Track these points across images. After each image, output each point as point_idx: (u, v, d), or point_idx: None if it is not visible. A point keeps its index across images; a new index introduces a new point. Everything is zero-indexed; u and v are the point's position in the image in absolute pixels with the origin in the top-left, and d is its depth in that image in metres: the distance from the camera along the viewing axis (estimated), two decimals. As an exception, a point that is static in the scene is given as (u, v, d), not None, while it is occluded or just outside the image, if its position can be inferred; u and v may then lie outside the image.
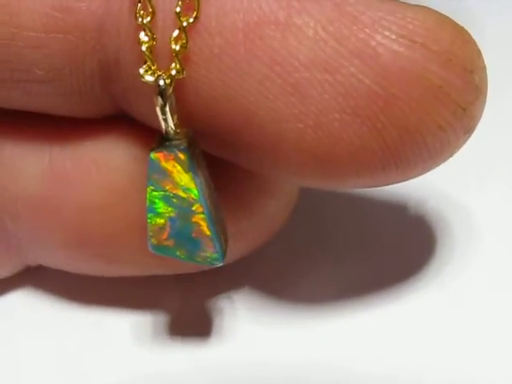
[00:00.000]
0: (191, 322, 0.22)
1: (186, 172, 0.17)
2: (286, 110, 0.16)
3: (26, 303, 0.22)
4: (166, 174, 0.18)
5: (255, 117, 0.17)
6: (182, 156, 0.17)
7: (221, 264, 0.19)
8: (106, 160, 0.20)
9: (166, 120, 0.17)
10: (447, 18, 0.17)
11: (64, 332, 0.22)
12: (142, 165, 0.19)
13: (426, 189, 0.25)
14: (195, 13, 0.17)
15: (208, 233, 0.18)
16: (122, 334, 0.22)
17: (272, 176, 0.19)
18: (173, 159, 0.17)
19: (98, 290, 0.22)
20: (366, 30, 0.16)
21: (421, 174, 0.18)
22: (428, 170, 0.18)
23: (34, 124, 0.20)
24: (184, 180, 0.18)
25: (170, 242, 0.18)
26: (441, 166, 0.18)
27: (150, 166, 0.18)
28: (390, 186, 0.20)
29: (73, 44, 0.18)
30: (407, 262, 0.23)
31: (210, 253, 0.18)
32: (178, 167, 0.17)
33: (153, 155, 0.17)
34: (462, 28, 0.17)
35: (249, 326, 0.22)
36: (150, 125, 0.19)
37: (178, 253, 0.19)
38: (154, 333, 0.22)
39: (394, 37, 0.16)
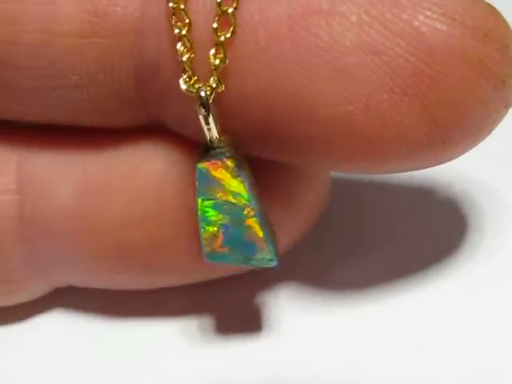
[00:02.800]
0: (237, 318, 0.22)
1: (235, 177, 0.18)
2: (335, 94, 0.17)
3: (55, 326, 0.22)
4: (215, 182, 0.18)
5: (304, 104, 0.17)
6: (229, 162, 0.18)
7: (276, 264, 0.19)
8: (144, 166, 0.19)
9: (209, 130, 0.17)
10: None
11: (103, 354, 0.21)
12: (181, 170, 0.19)
13: (453, 173, 0.25)
14: (232, 27, 0.17)
15: (261, 235, 0.18)
16: (171, 341, 0.21)
17: (317, 166, 0.19)
18: (221, 166, 0.18)
19: (130, 303, 0.22)
20: (408, 11, 0.16)
21: (464, 151, 0.18)
22: (470, 147, 0.18)
23: (63, 136, 0.20)
24: (234, 185, 0.18)
25: (225, 249, 0.18)
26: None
27: (198, 176, 0.18)
28: (418, 173, 0.21)
29: (109, 48, 0.18)
30: (437, 246, 0.23)
31: (264, 254, 0.19)
32: (227, 174, 0.18)
33: (200, 165, 0.18)
34: (493, 7, 0.17)
35: (294, 317, 0.22)
36: (184, 132, 0.19)
37: (233, 258, 0.19)
38: (203, 335, 0.22)
39: (435, 16, 0.16)
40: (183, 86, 0.17)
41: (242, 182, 0.18)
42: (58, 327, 0.22)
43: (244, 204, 0.18)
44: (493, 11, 0.17)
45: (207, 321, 0.22)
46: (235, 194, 0.18)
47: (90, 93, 0.18)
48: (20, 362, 0.21)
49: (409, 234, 0.24)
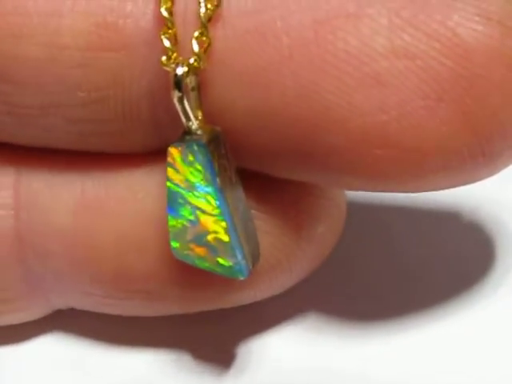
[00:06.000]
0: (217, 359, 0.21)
1: (203, 170, 0.16)
2: (366, 103, 0.16)
3: (54, 348, 0.21)
4: (180, 172, 0.17)
5: (334, 115, 0.16)
6: (199, 152, 0.16)
7: (244, 277, 0.17)
8: (142, 187, 0.18)
9: (184, 112, 0.16)
10: None
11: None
12: None
13: (479, 195, 0.24)
14: (216, 0, 0.16)
15: (226, 239, 0.17)
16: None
17: (341, 185, 0.18)
18: (189, 155, 0.16)
19: (123, 330, 0.21)
20: (441, 11, 0.15)
21: (505, 166, 0.17)
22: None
23: (61, 155, 0.19)
24: (201, 178, 0.17)
25: (192, 246, 0.17)
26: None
27: (167, 160, 0.17)
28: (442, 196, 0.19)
29: (119, 63, 0.17)
30: (466, 272, 0.22)
31: (231, 262, 0.17)
32: (195, 164, 0.17)
33: (170, 149, 0.17)
34: None
35: (286, 354, 0.21)
36: None
37: (198, 260, 0.17)
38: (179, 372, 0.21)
39: (470, 16, 0.15)
40: (164, 63, 0.16)
41: (210, 175, 0.16)
42: (53, 351, 0.21)
43: (211, 200, 0.17)
44: None
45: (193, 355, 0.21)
46: (201, 188, 0.17)
47: (98, 112, 0.17)
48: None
49: (424, 262, 0.22)
